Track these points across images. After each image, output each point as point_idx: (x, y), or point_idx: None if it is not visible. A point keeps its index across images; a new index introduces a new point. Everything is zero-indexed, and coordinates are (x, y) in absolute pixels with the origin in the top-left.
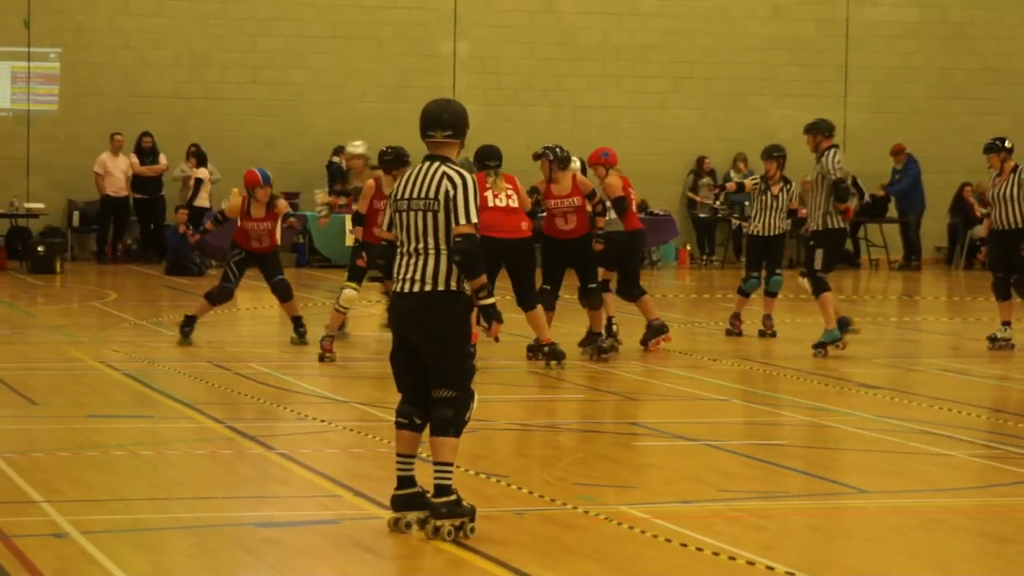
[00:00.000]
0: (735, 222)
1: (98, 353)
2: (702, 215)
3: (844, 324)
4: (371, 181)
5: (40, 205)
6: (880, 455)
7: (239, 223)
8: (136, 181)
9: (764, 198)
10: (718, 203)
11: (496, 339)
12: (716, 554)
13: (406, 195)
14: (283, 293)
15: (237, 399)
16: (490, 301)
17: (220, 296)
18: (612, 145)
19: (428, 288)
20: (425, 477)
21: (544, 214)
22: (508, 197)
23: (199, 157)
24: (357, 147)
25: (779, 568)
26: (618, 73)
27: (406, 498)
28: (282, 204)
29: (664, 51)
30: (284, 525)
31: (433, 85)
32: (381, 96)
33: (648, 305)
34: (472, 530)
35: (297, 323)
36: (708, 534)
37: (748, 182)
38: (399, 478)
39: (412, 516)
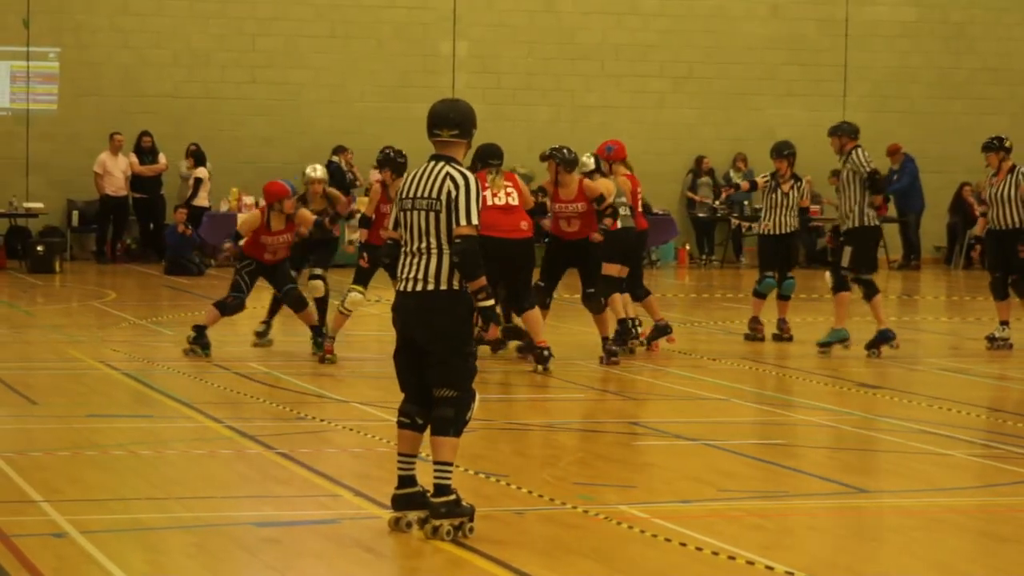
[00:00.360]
0: (734, 222)
1: (97, 353)
2: (701, 215)
3: (886, 337)
4: (376, 185)
5: (39, 205)
6: (880, 455)
7: (253, 235)
8: (135, 181)
9: (774, 196)
10: (718, 203)
11: (495, 340)
12: (716, 554)
13: (410, 194)
14: (296, 303)
15: (237, 399)
16: (489, 303)
17: (233, 308)
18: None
19: (431, 287)
20: (425, 477)
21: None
22: (507, 195)
23: (197, 156)
24: (316, 171)
25: (779, 568)
26: (618, 73)
27: (406, 497)
28: (307, 216)
29: (664, 51)
30: (284, 525)
31: (433, 85)
32: (381, 96)
33: (653, 305)
34: (471, 530)
35: (316, 332)
36: (708, 534)
37: (759, 180)
38: (400, 477)
39: (412, 516)
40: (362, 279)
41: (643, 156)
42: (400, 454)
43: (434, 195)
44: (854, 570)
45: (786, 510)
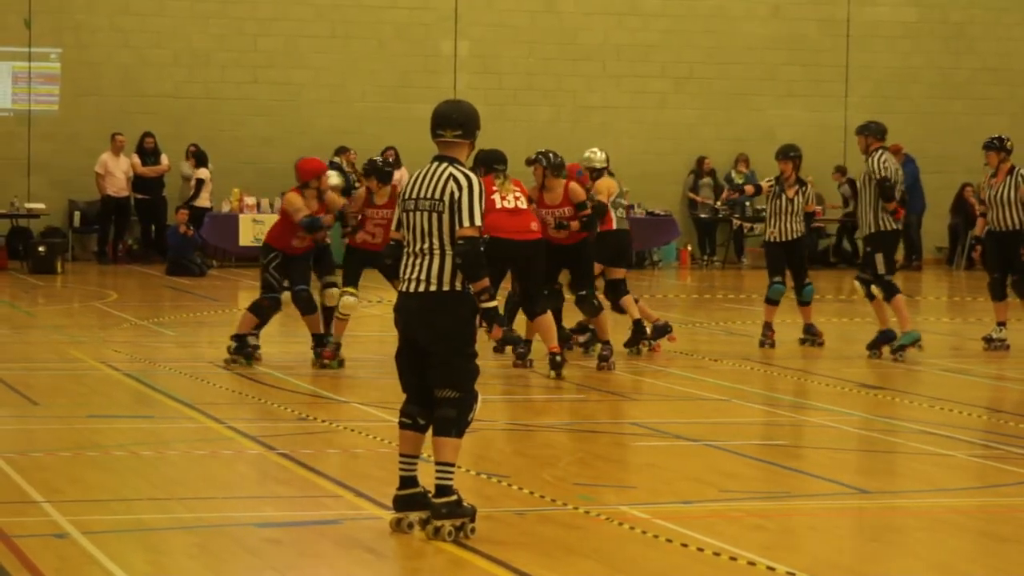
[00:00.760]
0: (736, 222)
1: (99, 353)
2: (703, 215)
3: (888, 337)
4: (362, 190)
5: (41, 205)
6: (881, 455)
7: (283, 221)
8: (137, 181)
9: (779, 202)
10: (719, 203)
11: (496, 341)
12: (717, 554)
13: (413, 195)
14: (305, 306)
15: (238, 399)
16: (492, 304)
17: (269, 310)
18: (613, 145)
19: (433, 288)
20: (427, 477)
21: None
22: (516, 199)
23: (198, 157)
24: (332, 178)
25: (780, 568)
26: (618, 73)
27: (408, 498)
28: (336, 200)
29: (665, 51)
30: (285, 525)
31: (434, 85)
32: (381, 96)
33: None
34: (472, 530)
35: (317, 342)
36: (709, 534)
37: (764, 184)
38: (401, 478)
39: (414, 516)
40: (351, 280)
41: (644, 156)
42: (402, 455)
43: (437, 196)
44: (856, 570)
45: (788, 511)
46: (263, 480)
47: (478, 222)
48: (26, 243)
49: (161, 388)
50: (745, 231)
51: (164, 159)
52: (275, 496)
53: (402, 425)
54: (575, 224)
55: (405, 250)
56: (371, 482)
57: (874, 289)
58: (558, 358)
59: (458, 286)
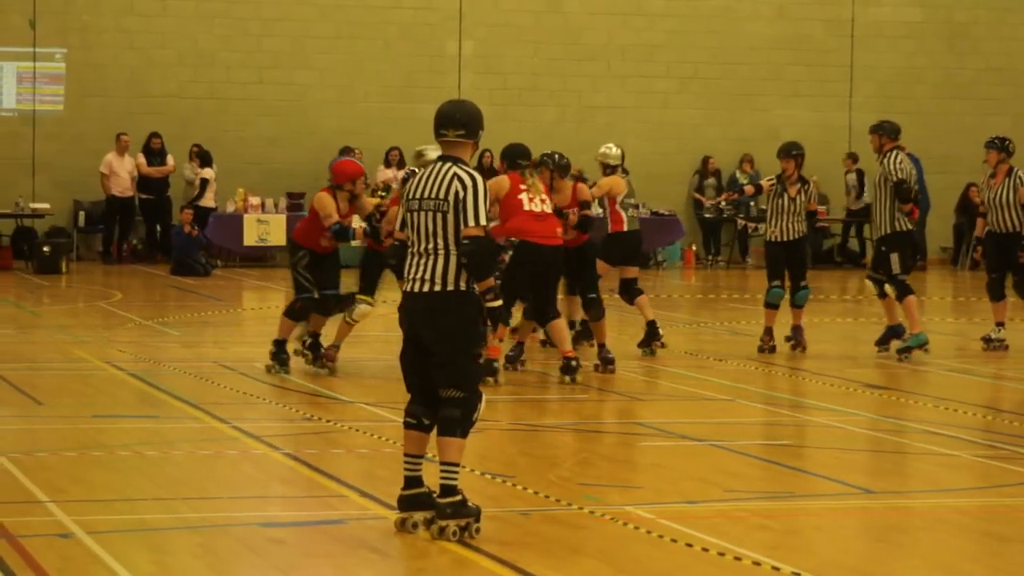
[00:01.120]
0: (741, 222)
1: (103, 353)
2: (708, 215)
3: (897, 332)
4: (394, 209)
5: (45, 205)
6: (885, 455)
7: (313, 220)
8: (142, 181)
9: (780, 201)
10: (719, 201)
11: (500, 341)
12: (722, 554)
13: (417, 195)
14: (326, 309)
15: (243, 399)
16: (497, 303)
17: (303, 312)
18: (618, 144)
19: (438, 288)
20: (432, 477)
21: None
22: (543, 202)
23: (202, 157)
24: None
25: (785, 568)
26: (623, 73)
27: (413, 498)
28: (367, 203)
29: (669, 51)
30: (290, 525)
31: (438, 85)
32: (387, 96)
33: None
34: (477, 530)
35: (314, 339)
36: (714, 534)
37: (765, 183)
38: (406, 478)
39: (419, 516)
40: (369, 288)
41: (649, 156)
42: (406, 455)
43: (441, 196)
44: (860, 570)
45: (792, 511)
46: (268, 480)
47: (483, 221)
48: (31, 243)
49: (166, 388)
50: (750, 231)
51: (170, 160)
52: (280, 496)
53: (407, 425)
54: (573, 217)
55: (409, 250)
56: (376, 482)
57: (887, 288)
58: (573, 363)
59: (463, 286)
